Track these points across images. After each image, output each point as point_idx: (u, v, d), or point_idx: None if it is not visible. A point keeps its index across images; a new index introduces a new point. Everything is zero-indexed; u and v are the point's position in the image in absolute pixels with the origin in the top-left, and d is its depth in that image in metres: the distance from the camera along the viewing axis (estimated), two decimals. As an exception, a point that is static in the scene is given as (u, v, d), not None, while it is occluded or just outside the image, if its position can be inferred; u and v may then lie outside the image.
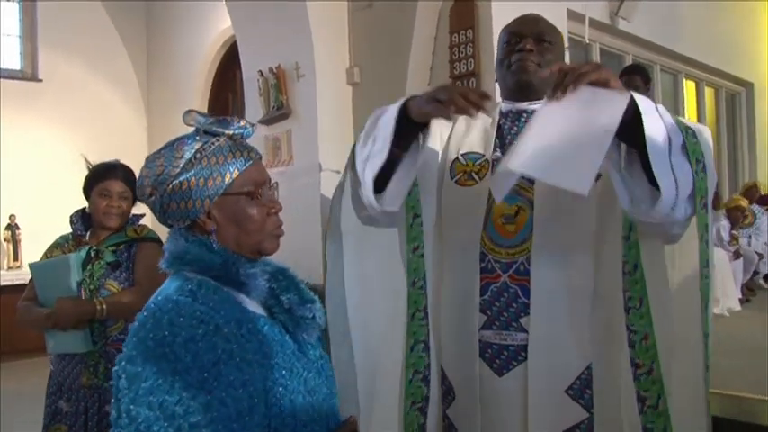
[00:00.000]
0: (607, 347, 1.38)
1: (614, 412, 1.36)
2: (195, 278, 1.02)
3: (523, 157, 1.17)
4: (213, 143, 1.05)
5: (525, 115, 1.53)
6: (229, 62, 6.27)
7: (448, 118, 1.32)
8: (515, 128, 1.53)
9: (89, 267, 2.15)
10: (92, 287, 2.13)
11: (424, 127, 1.37)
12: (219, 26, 6.17)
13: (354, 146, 1.46)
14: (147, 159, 1.07)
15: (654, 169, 1.17)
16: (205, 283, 1.01)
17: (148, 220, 2.43)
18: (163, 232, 2.38)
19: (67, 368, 2.13)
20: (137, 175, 2.25)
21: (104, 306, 2.07)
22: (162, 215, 1.06)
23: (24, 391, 3.96)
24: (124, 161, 2.35)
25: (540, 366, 1.38)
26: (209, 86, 6.53)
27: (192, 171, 1.02)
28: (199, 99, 6.44)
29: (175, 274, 1.05)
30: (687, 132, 1.22)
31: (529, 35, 1.50)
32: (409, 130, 1.36)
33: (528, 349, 1.38)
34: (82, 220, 2.27)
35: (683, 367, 1.36)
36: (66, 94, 6.47)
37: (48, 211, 5.86)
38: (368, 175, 1.36)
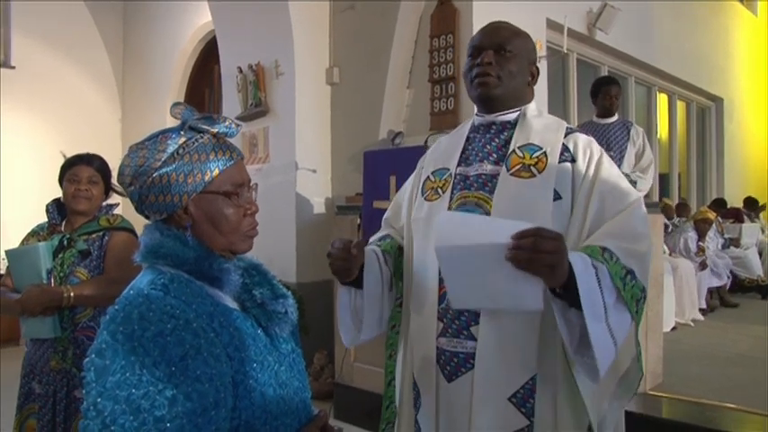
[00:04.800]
0: (553, 360, 1.40)
1: (554, 421, 1.39)
2: (168, 272, 1.02)
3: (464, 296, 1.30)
4: (197, 140, 1.05)
5: (494, 127, 1.57)
6: (207, 57, 6.22)
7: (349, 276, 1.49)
8: (483, 140, 1.57)
9: (60, 255, 2.19)
10: (61, 275, 2.16)
11: (361, 273, 1.52)
12: (198, 20, 6.13)
13: None
14: (130, 149, 1.07)
15: (596, 353, 1.24)
16: (177, 277, 1.01)
17: (123, 210, 2.43)
18: (138, 222, 2.40)
19: (39, 351, 2.17)
20: (110, 165, 2.30)
21: (71, 294, 2.10)
22: (140, 206, 1.06)
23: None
24: (97, 152, 2.37)
25: (485, 374, 1.40)
26: (186, 80, 6.47)
27: (174, 166, 1.03)
28: (175, 93, 6.39)
29: (149, 267, 1.05)
30: (625, 281, 1.29)
31: (488, 47, 1.53)
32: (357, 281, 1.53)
33: (475, 357, 1.42)
34: (57, 208, 2.31)
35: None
36: (40, 83, 6.35)
37: (19, 199, 5.76)
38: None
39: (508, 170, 1.47)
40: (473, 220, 1.34)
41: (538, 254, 1.17)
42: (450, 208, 1.50)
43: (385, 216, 1.78)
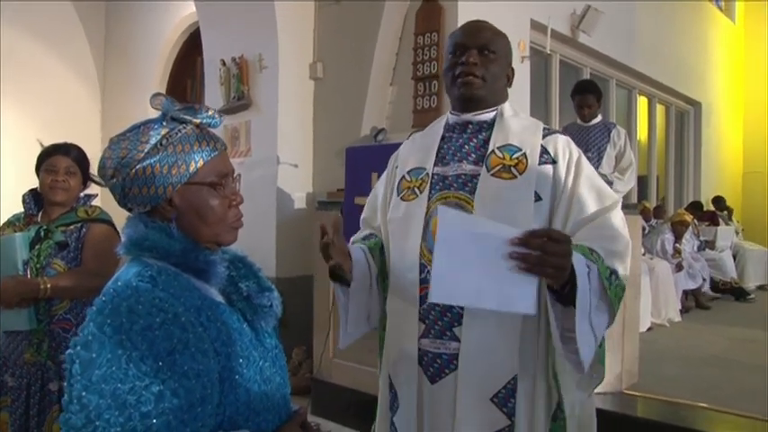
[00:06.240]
0: (533, 360, 1.42)
1: (534, 420, 1.41)
2: (155, 264, 1.00)
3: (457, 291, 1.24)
4: (180, 130, 1.04)
5: (471, 126, 1.57)
6: (190, 49, 6.15)
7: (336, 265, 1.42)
8: (461, 139, 1.56)
9: (37, 246, 2.15)
10: (38, 266, 2.13)
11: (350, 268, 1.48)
12: (181, 12, 6.06)
13: None
14: (111, 141, 1.05)
15: (580, 349, 1.26)
16: (165, 270, 1.00)
17: (101, 200, 2.40)
18: (115, 213, 2.37)
19: (13, 344, 2.13)
20: (89, 155, 2.26)
21: (48, 285, 2.07)
22: (122, 198, 1.04)
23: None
24: (76, 143, 2.33)
25: (469, 374, 1.41)
26: (168, 72, 6.39)
27: (157, 157, 1.01)
28: (157, 84, 6.30)
29: (133, 259, 1.03)
30: (610, 281, 1.31)
31: (472, 46, 1.52)
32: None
33: (458, 358, 1.42)
34: (34, 199, 2.27)
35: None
36: (20, 73, 6.22)
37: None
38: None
39: (488, 170, 1.47)
40: (478, 219, 1.35)
41: (548, 255, 1.17)
42: (429, 208, 1.49)
43: (363, 216, 1.76)
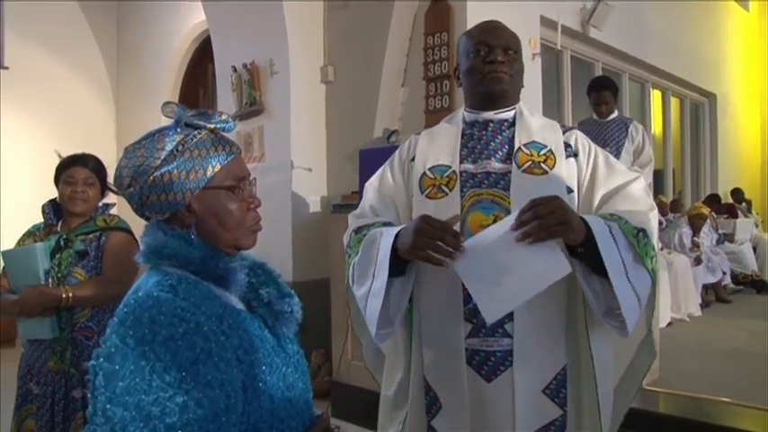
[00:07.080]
0: (579, 349, 1.45)
1: (584, 408, 1.45)
2: (175, 273, 1.00)
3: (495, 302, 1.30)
4: (195, 136, 1.04)
5: (491, 124, 1.58)
6: (202, 56, 6.20)
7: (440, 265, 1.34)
8: (484, 137, 1.57)
9: (58, 256, 2.18)
10: (59, 275, 2.16)
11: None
12: (192, 20, 6.10)
13: (350, 266, 1.51)
14: (127, 150, 1.04)
15: (622, 309, 1.30)
16: (185, 278, 0.99)
17: (118, 209, 2.43)
18: (133, 221, 2.40)
19: (36, 352, 2.17)
20: (105, 165, 2.29)
21: (70, 294, 2.10)
22: (140, 207, 1.04)
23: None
24: (93, 152, 2.37)
25: (524, 369, 1.42)
26: (180, 80, 6.44)
27: (174, 163, 1.01)
28: (169, 92, 6.35)
29: (153, 268, 1.03)
30: (638, 239, 1.36)
31: (497, 46, 1.55)
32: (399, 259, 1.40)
33: (513, 353, 1.42)
34: (53, 209, 2.31)
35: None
36: (34, 83, 6.30)
37: (15, 199, 5.74)
38: (370, 316, 1.43)
39: (519, 167, 1.49)
40: (477, 235, 1.37)
41: (543, 217, 1.24)
42: (463, 206, 1.48)
43: (369, 204, 1.66)
